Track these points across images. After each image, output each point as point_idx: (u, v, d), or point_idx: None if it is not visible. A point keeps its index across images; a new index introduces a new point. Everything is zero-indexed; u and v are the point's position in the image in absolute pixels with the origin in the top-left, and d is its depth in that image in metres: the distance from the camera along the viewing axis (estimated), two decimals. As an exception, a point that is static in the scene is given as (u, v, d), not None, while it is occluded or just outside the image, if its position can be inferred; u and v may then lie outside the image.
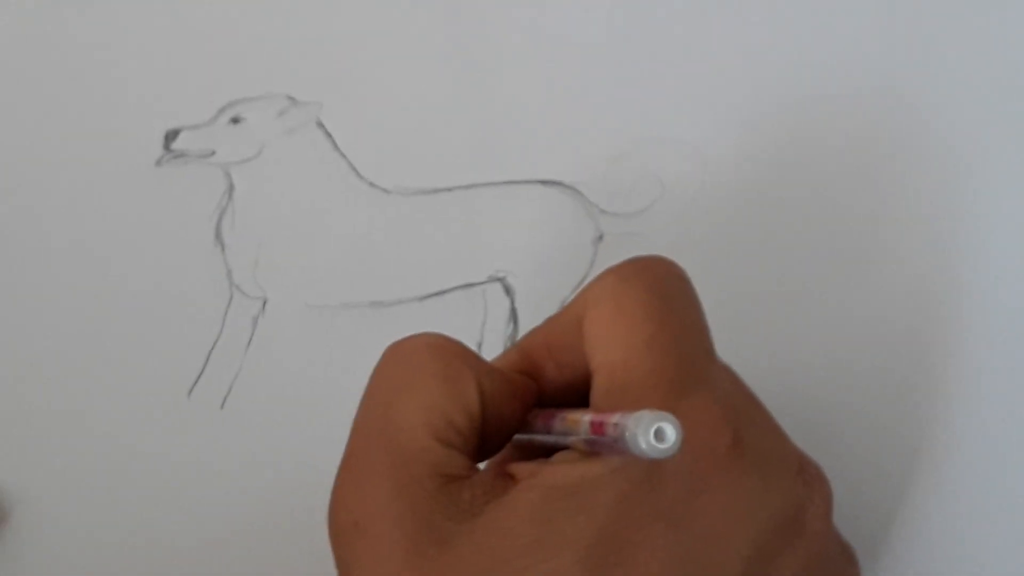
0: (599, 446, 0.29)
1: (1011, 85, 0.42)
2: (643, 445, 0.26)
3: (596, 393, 0.31)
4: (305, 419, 0.41)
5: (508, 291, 0.42)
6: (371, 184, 0.43)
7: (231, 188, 0.44)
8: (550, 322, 0.34)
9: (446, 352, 0.31)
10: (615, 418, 0.27)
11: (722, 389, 0.31)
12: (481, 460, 0.32)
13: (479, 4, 0.45)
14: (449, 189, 0.43)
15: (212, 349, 0.42)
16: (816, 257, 0.41)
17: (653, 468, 0.29)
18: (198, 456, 0.40)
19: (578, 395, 0.33)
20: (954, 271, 0.41)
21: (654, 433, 0.25)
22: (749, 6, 0.44)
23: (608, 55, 0.44)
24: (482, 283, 0.42)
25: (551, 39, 0.45)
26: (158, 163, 0.44)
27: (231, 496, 0.40)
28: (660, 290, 0.32)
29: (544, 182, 0.43)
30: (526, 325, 0.40)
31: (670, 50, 0.44)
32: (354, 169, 0.44)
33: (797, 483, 0.32)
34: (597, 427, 0.28)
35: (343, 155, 0.44)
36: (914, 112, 0.43)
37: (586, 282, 0.40)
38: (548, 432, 0.31)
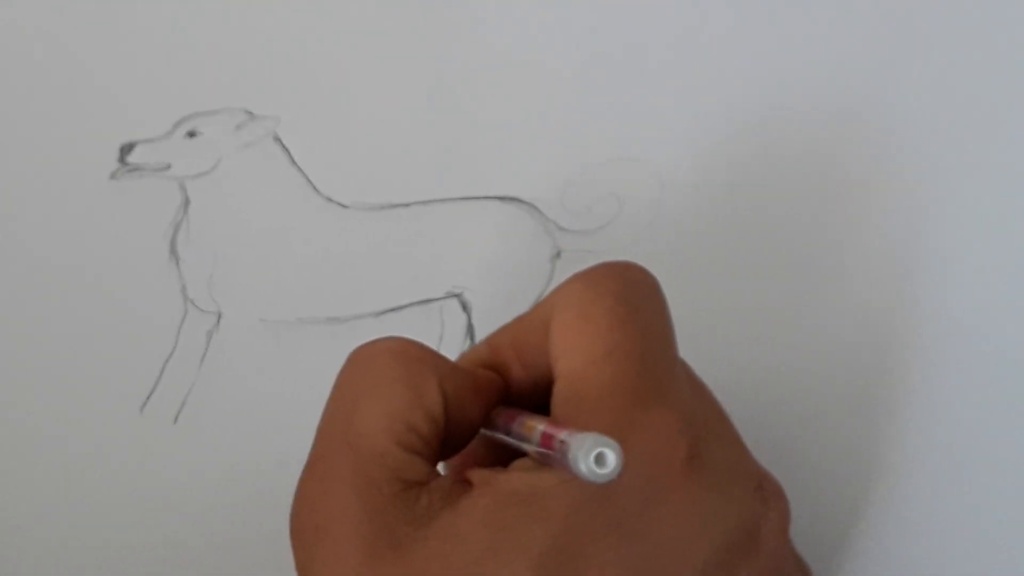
0: (548, 459, 0.29)
1: (974, 103, 0.43)
2: (583, 468, 0.26)
3: (556, 400, 0.31)
4: (259, 434, 0.40)
5: (465, 307, 0.42)
6: (328, 199, 0.43)
7: (186, 202, 0.43)
8: (518, 321, 0.34)
9: (408, 356, 0.31)
10: (562, 435, 0.28)
11: (682, 401, 0.31)
12: (446, 457, 0.33)
13: (439, 21, 0.45)
14: (406, 205, 0.43)
15: (166, 364, 0.41)
16: (772, 275, 0.42)
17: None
18: (151, 471, 0.40)
19: (544, 395, 0.33)
20: (912, 288, 0.41)
21: (595, 457, 0.26)
22: (709, 29, 0.45)
23: (569, 74, 0.44)
24: (439, 299, 0.42)
25: (511, 57, 0.45)
26: (113, 176, 0.44)
27: (184, 511, 0.40)
28: (627, 298, 0.32)
29: (502, 198, 0.43)
30: (483, 341, 0.40)
31: (630, 70, 0.44)
32: (311, 184, 0.43)
33: (755, 498, 0.32)
34: (546, 440, 0.28)
35: (300, 170, 0.44)
36: (873, 132, 0.43)
37: (544, 297, 0.41)
38: (508, 434, 0.31)
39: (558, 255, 0.42)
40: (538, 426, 0.29)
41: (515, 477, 0.29)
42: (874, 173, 0.43)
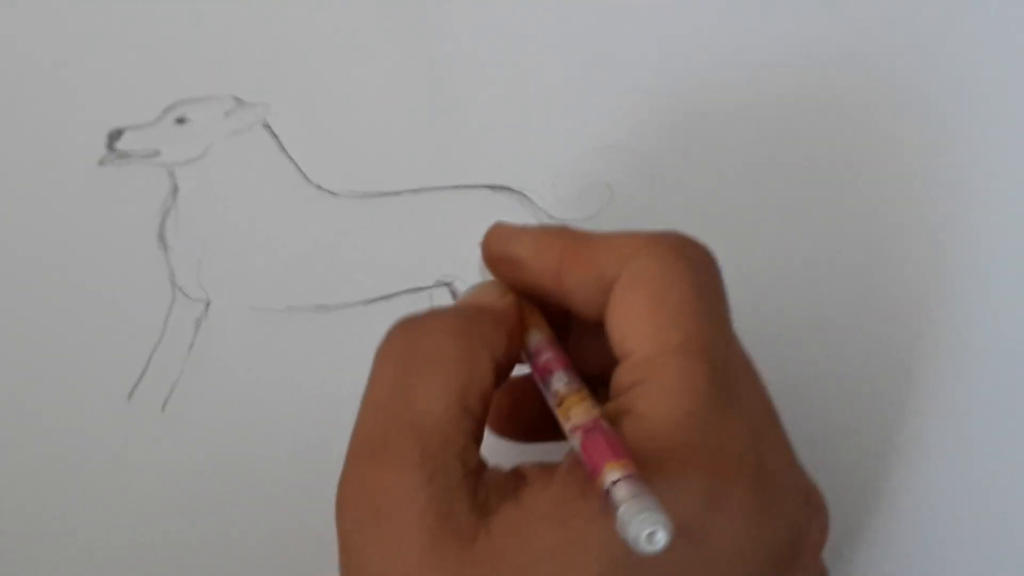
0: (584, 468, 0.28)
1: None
2: (631, 538, 0.26)
3: (619, 383, 0.30)
4: (247, 422, 0.40)
5: (455, 296, 0.42)
6: (318, 187, 0.43)
7: (175, 189, 0.43)
8: (571, 252, 0.32)
9: (465, 331, 0.30)
10: (611, 474, 0.27)
11: (750, 408, 0.30)
12: None
13: (429, 10, 0.45)
14: (397, 193, 0.43)
15: (154, 351, 0.41)
16: (765, 262, 0.42)
17: (672, 482, 0.28)
18: (138, 458, 0.40)
19: (567, 325, 0.33)
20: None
21: (646, 536, 0.26)
22: (698, 17, 0.45)
23: (559, 62, 0.44)
24: (429, 287, 0.42)
25: (501, 45, 0.45)
26: (101, 163, 0.44)
27: (172, 499, 0.39)
28: (699, 285, 0.30)
29: (492, 187, 0.43)
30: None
31: (620, 59, 0.44)
32: (301, 172, 0.43)
33: (803, 513, 0.31)
34: (589, 456, 0.28)
35: (290, 157, 0.43)
36: (863, 115, 0.43)
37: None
38: (544, 383, 0.31)
39: (548, 244, 0.42)
40: (574, 425, 0.29)
41: (574, 473, 0.28)
42: (870, 159, 0.43)
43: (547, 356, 0.32)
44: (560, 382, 0.31)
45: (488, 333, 0.31)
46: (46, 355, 0.41)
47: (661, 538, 0.26)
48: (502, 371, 0.31)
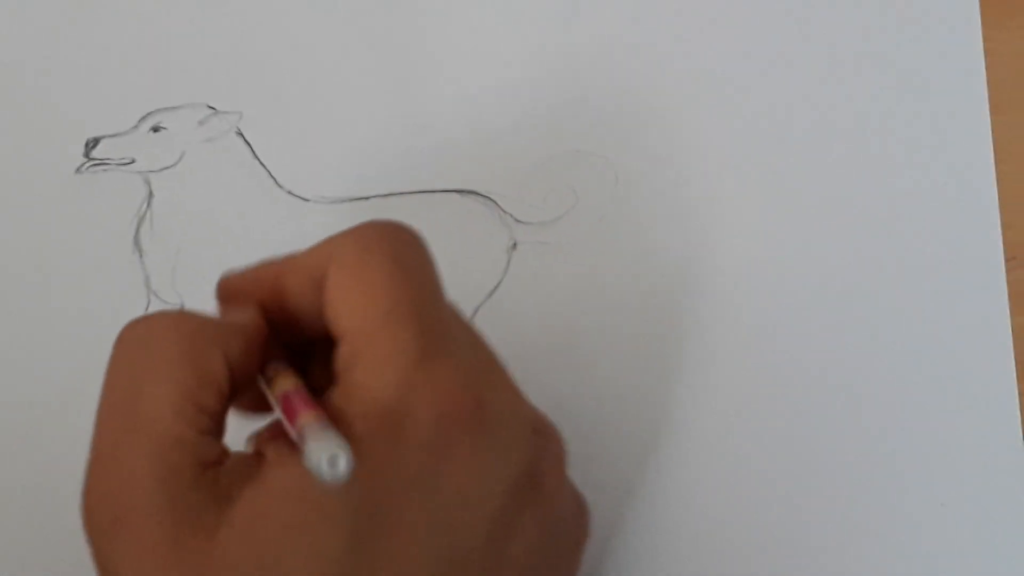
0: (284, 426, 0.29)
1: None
2: (314, 465, 0.27)
3: (340, 362, 0.31)
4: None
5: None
6: (289, 192, 0.44)
7: (150, 196, 0.44)
8: (287, 264, 0.33)
9: (189, 330, 0.31)
10: (302, 421, 0.28)
11: (462, 356, 0.32)
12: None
13: (399, 17, 0.46)
14: (366, 198, 0.44)
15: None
16: (727, 263, 0.42)
17: (397, 438, 0.29)
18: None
19: (308, 340, 0.33)
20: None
21: (328, 459, 0.27)
22: (663, 24, 0.45)
23: (526, 69, 0.45)
24: (398, 290, 0.43)
25: (469, 52, 0.45)
26: (78, 171, 0.44)
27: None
28: (399, 259, 0.32)
29: (460, 191, 0.43)
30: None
31: (585, 66, 0.45)
32: (273, 177, 0.44)
33: (532, 442, 0.32)
34: (289, 412, 0.29)
35: (262, 164, 0.44)
36: (825, 119, 0.44)
37: (500, 290, 0.41)
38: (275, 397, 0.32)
39: (514, 246, 0.43)
40: (288, 391, 0.30)
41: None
42: (827, 167, 0.43)
43: (276, 370, 0.32)
44: (277, 374, 0.32)
45: (219, 333, 0.31)
46: (22, 357, 0.42)
47: (343, 462, 0.27)
48: (240, 373, 0.31)
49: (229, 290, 0.34)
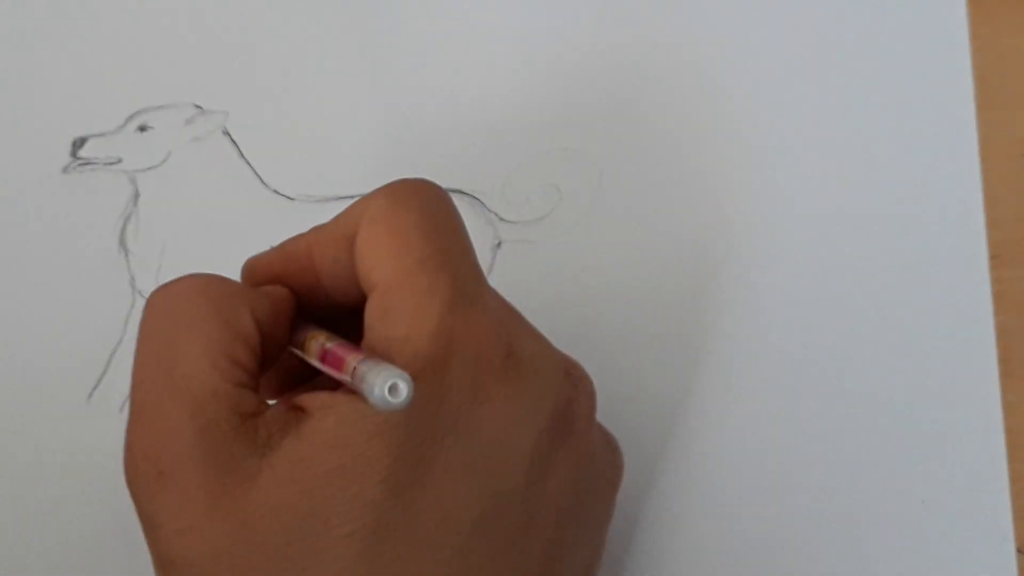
0: (336, 376, 0.30)
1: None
2: (377, 399, 0.27)
3: (371, 312, 0.31)
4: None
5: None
6: (275, 192, 0.44)
7: (136, 195, 0.44)
8: (316, 232, 0.34)
9: (217, 290, 0.32)
10: (352, 363, 0.29)
11: (491, 305, 0.32)
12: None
13: (385, 16, 0.46)
14: (352, 197, 0.44)
15: (113, 353, 0.42)
16: (708, 260, 0.42)
17: (436, 384, 0.30)
18: (97, 459, 0.40)
19: (344, 308, 0.33)
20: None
21: (388, 388, 0.27)
22: (647, 22, 0.45)
23: (511, 68, 0.45)
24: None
25: (454, 52, 0.45)
26: (65, 170, 0.44)
27: (130, 499, 0.40)
28: (430, 212, 0.32)
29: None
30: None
31: (570, 64, 0.45)
32: (259, 177, 0.44)
33: (564, 384, 0.33)
34: (333, 360, 0.30)
35: (248, 163, 0.44)
36: (813, 120, 0.44)
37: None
38: (305, 351, 0.32)
39: (499, 245, 0.43)
40: (327, 345, 0.30)
41: (351, 396, 0.30)
42: (820, 165, 0.43)
43: (309, 333, 0.33)
44: (320, 338, 0.32)
45: (247, 293, 0.32)
46: (6, 355, 0.42)
47: (403, 388, 0.27)
48: (268, 336, 0.32)
49: (255, 271, 0.35)
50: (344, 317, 0.34)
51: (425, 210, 0.32)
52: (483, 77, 0.45)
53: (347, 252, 0.33)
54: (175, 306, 0.31)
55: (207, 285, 0.32)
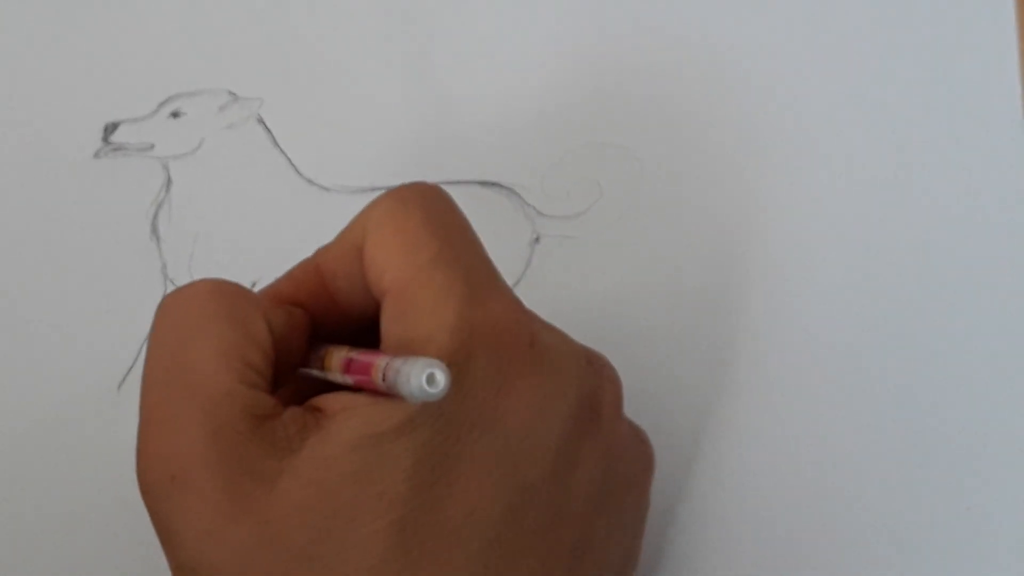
0: (361, 384, 0.29)
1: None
2: (415, 390, 0.27)
3: (387, 316, 0.31)
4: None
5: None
6: (309, 181, 0.43)
7: (168, 182, 0.44)
8: (322, 252, 0.34)
9: (229, 294, 0.31)
10: (381, 364, 0.28)
11: (508, 296, 0.32)
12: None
13: (424, 6, 0.45)
14: (387, 188, 0.43)
15: (144, 342, 0.42)
16: (751, 255, 0.42)
17: (461, 379, 0.29)
18: (128, 447, 0.40)
19: (359, 324, 0.33)
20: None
21: (426, 379, 0.27)
22: (689, 17, 0.45)
23: (550, 59, 0.45)
24: (418, 282, 0.42)
25: (493, 41, 0.45)
26: (97, 155, 0.44)
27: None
28: (436, 211, 0.32)
29: (483, 183, 0.43)
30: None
31: (610, 56, 0.44)
32: (293, 166, 0.44)
33: (588, 371, 0.33)
34: (361, 368, 0.29)
35: (282, 152, 0.44)
36: (858, 115, 0.43)
37: (522, 283, 0.41)
38: (321, 369, 0.32)
39: (537, 240, 0.42)
40: (351, 355, 0.30)
41: (375, 399, 0.29)
42: (858, 163, 0.43)
43: (326, 349, 0.33)
44: (328, 351, 0.32)
45: (260, 300, 0.32)
46: (38, 343, 0.42)
47: (440, 378, 0.27)
48: (282, 346, 0.32)
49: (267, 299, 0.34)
50: (359, 336, 0.34)
51: (430, 209, 0.32)
52: (523, 70, 0.44)
53: (356, 263, 0.32)
54: (187, 309, 0.31)
55: (220, 289, 0.31)
